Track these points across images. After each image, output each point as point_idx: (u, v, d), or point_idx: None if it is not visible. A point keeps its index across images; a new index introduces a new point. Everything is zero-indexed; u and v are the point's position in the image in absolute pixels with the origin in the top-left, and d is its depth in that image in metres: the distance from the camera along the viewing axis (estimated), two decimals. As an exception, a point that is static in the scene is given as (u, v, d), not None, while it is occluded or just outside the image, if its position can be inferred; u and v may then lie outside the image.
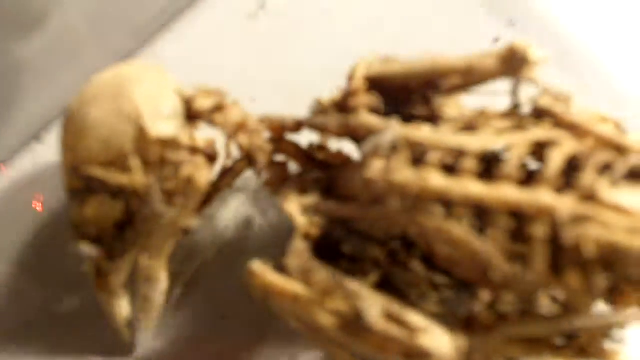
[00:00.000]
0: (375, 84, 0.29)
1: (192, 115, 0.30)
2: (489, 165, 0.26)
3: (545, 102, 0.27)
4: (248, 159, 0.30)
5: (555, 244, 0.25)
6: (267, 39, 0.39)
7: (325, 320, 0.26)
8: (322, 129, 0.29)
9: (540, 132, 0.27)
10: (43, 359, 0.33)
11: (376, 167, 0.27)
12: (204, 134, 0.31)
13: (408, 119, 0.29)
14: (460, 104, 0.29)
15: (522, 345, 0.26)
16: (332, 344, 0.26)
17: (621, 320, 0.25)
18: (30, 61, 0.36)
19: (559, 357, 0.26)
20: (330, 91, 0.30)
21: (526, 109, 0.28)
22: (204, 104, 0.30)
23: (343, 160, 0.30)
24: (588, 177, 0.25)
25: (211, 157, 0.30)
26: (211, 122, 0.30)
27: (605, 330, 0.26)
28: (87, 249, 0.31)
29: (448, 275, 0.27)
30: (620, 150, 0.26)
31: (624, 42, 0.38)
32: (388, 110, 0.29)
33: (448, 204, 0.26)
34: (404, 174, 0.26)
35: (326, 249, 0.28)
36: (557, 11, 0.39)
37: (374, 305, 0.25)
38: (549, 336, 0.26)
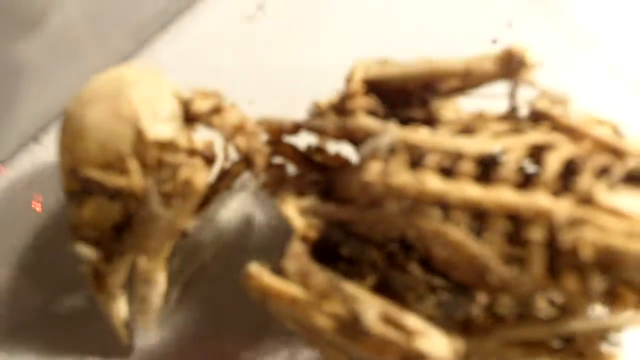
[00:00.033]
0: (373, 86, 0.29)
1: (189, 118, 0.30)
2: (487, 168, 0.26)
3: (543, 105, 0.27)
4: (246, 161, 0.31)
5: (552, 247, 0.25)
6: (265, 41, 0.39)
7: (323, 322, 0.26)
8: (320, 132, 0.29)
9: (537, 135, 0.27)
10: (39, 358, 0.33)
11: (374, 170, 0.27)
12: (202, 136, 0.31)
13: (406, 121, 0.29)
14: (458, 107, 0.29)
15: (519, 348, 0.26)
16: (329, 346, 0.26)
17: (618, 323, 0.25)
18: (29, 62, 0.36)
19: (555, 360, 0.26)
20: (328, 93, 0.30)
21: (524, 111, 0.28)
22: (201, 106, 0.30)
23: (341, 163, 0.30)
24: (585, 181, 0.25)
25: (209, 159, 0.30)
26: (209, 125, 0.30)
27: (602, 333, 0.26)
28: (85, 251, 0.31)
29: (445, 277, 0.27)
30: (617, 153, 0.26)
31: (622, 44, 0.38)
32: (386, 113, 0.29)
33: (446, 206, 0.26)
34: (401, 176, 0.26)
35: (324, 251, 0.28)
36: (555, 13, 0.39)
37: (372, 308, 0.25)
38: (546, 339, 0.26)
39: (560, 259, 0.24)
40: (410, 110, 0.29)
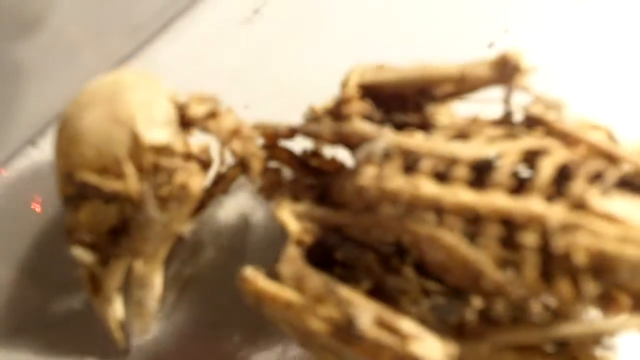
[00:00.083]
0: (369, 91, 0.29)
1: (185, 122, 0.30)
2: (481, 173, 0.26)
3: (537, 110, 0.27)
4: (242, 165, 0.31)
5: (546, 251, 0.25)
6: (262, 45, 0.40)
7: (317, 326, 0.26)
8: (315, 136, 0.29)
9: (531, 140, 0.27)
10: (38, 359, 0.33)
11: (368, 174, 0.27)
12: (199, 139, 0.31)
13: (401, 126, 0.29)
14: (453, 112, 0.29)
15: (513, 352, 0.26)
16: (324, 350, 0.26)
17: (612, 327, 0.25)
18: (26, 65, 0.36)
19: (549, 364, 0.26)
20: (323, 98, 0.30)
21: (518, 116, 0.28)
22: (197, 110, 0.30)
23: (337, 167, 0.30)
24: (578, 186, 0.25)
25: (205, 164, 0.30)
26: (205, 129, 0.31)
27: (596, 338, 0.26)
28: (81, 255, 0.31)
29: (440, 282, 0.27)
30: (611, 158, 0.26)
31: (618, 50, 0.38)
32: (381, 118, 0.29)
33: (440, 211, 0.26)
34: (396, 181, 0.26)
35: (319, 255, 0.29)
36: (551, 19, 0.39)
37: (366, 312, 0.25)
38: (540, 343, 0.26)
39: (553, 264, 0.24)
40: (405, 115, 0.29)
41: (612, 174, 0.25)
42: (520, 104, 0.28)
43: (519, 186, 0.26)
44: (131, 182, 0.29)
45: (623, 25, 0.39)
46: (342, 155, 0.30)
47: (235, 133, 0.30)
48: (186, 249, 0.34)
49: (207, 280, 0.34)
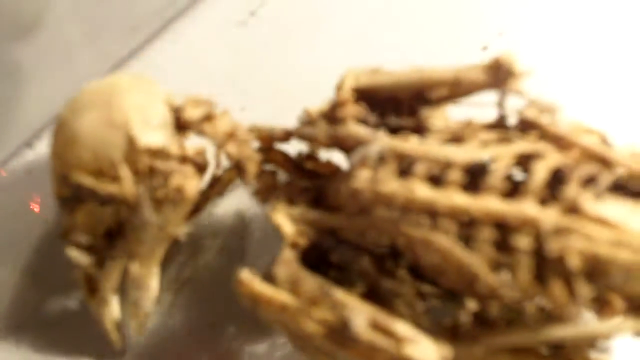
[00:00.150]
0: (364, 95, 0.29)
1: (181, 125, 0.31)
2: (475, 177, 0.26)
3: (531, 114, 0.27)
4: (237, 168, 0.31)
5: (539, 255, 0.25)
6: (257, 47, 0.40)
7: (312, 329, 0.26)
8: (310, 140, 0.30)
9: (525, 144, 0.27)
10: (36, 358, 0.33)
11: (363, 178, 0.27)
12: (196, 143, 0.31)
13: (395, 130, 0.29)
14: (447, 116, 0.29)
15: (508, 355, 0.26)
16: (318, 353, 0.27)
17: (606, 330, 0.25)
18: (24, 67, 0.36)
19: (544, 367, 0.26)
20: (319, 101, 0.30)
21: (512, 120, 0.28)
22: (193, 113, 0.30)
23: (332, 170, 0.31)
24: (572, 190, 0.25)
25: (201, 167, 0.30)
26: (200, 132, 0.31)
27: (590, 340, 0.26)
28: (77, 257, 0.31)
29: (434, 285, 0.28)
30: (605, 162, 0.26)
31: (612, 54, 0.38)
32: (376, 121, 0.29)
33: (434, 214, 0.26)
34: (390, 184, 0.26)
35: (315, 258, 0.29)
36: (545, 22, 0.39)
37: (361, 315, 0.25)
38: (535, 346, 0.26)
39: (547, 267, 0.25)
40: (399, 118, 0.29)
41: (606, 178, 0.26)
42: (514, 107, 0.28)
43: (513, 190, 0.26)
44: (127, 185, 0.29)
45: (617, 29, 0.39)
46: (337, 158, 0.30)
47: (231, 136, 0.31)
48: (184, 250, 0.34)
49: (204, 282, 0.34)
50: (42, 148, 0.38)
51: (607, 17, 0.39)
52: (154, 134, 0.30)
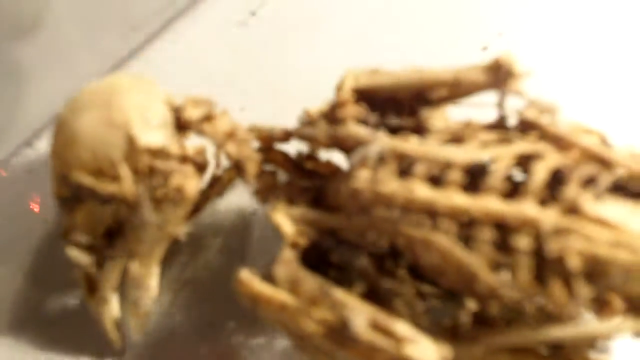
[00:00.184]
0: (363, 95, 0.29)
1: (181, 125, 0.31)
2: (475, 178, 0.26)
3: (531, 115, 0.28)
4: (237, 168, 0.31)
5: (539, 255, 0.25)
6: (258, 47, 0.40)
7: (312, 329, 0.26)
8: (310, 140, 0.30)
9: (525, 145, 0.27)
10: (35, 357, 0.33)
11: (363, 178, 0.27)
12: (195, 143, 0.31)
13: (395, 130, 0.29)
14: (447, 116, 0.29)
15: (507, 355, 0.26)
16: (318, 352, 0.27)
17: (606, 330, 0.25)
18: (24, 66, 0.36)
19: (544, 367, 0.26)
20: (319, 102, 0.30)
21: (512, 121, 0.28)
22: (193, 113, 0.30)
23: (332, 170, 0.31)
24: (571, 190, 0.25)
25: (201, 166, 0.30)
26: (200, 132, 0.31)
27: (590, 341, 0.26)
28: (77, 256, 0.31)
29: (434, 285, 0.28)
30: (604, 163, 0.26)
31: (612, 54, 0.38)
32: (376, 122, 0.29)
33: (434, 215, 0.26)
34: (390, 185, 0.26)
35: (315, 258, 0.29)
36: (545, 23, 0.39)
37: (361, 315, 0.25)
38: (534, 346, 0.26)
39: (547, 267, 0.25)
40: (399, 119, 0.29)
41: (605, 179, 0.26)
42: (514, 108, 0.28)
43: (513, 190, 0.26)
44: (127, 185, 0.29)
45: (617, 30, 0.39)
46: (337, 158, 0.30)
47: (231, 136, 0.31)
48: (185, 249, 0.34)
49: (204, 281, 0.34)
50: (42, 148, 0.38)
51: (606, 17, 0.39)
52: (153, 133, 0.30)
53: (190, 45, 0.40)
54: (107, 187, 0.29)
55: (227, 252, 0.35)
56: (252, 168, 0.30)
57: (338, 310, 0.26)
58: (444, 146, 0.27)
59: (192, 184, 0.29)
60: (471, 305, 0.27)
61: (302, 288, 0.27)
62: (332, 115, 0.29)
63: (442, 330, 0.27)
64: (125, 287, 0.32)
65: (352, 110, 0.29)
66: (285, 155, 0.31)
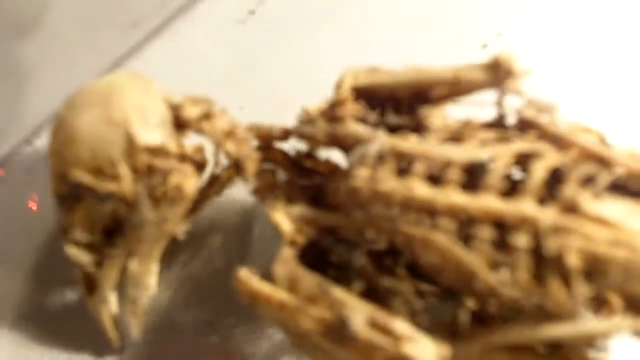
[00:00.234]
0: (363, 93, 0.29)
1: (180, 124, 0.30)
2: (474, 176, 0.26)
3: (530, 113, 0.28)
4: (236, 166, 0.31)
5: (538, 254, 0.25)
6: (257, 46, 0.40)
7: (310, 327, 0.26)
8: (309, 138, 0.30)
9: (523, 144, 0.27)
10: (35, 356, 0.33)
11: (362, 177, 0.27)
12: (195, 141, 0.31)
13: (394, 129, 0.29)
14: (446, 115, 0.29)
15: (506, 354, 0.26)
16: (317, 351, 0.27)
17: (605, 329, 0.25)
18: (23, 65, 0.36)
19: (542, 366, 0.26)
20: (317, 100, 0.30)
21: (511, 119, 0.28)
22: (191, 112, 0.30)
23: (331, 169, 0.31)
24: (570, 189, 0.25)
25: (199, 165, 0.30)
26: (199, 130, 0.31)
27: (589, 339, 0.26)
28: (76, 255, 0.31)
29: (433, 283, 0.28)
30: (603, 162, 0.26)
31: (611, 54, 0.38)
32: (375, 120, 0.29)
33: (433, 213, 0.26)
34: (389, 183, 0.26)
35: (314, 257, 0.29)
36: (544, 23, 0.39)
37: (359, 313, 0.25)
38: (533, 344, 0.26)
39: (546, 266, 0.25)
40: (399, 117, 0.29)
41: (604, 178, 0.26)
42: (513, 107, 0.28)
43: (512, 189, 0.26)
44: (125, 183, 0.29)
45: (616, 29, 0.39)
46: (336, 157, 0.30)
47: (230, 134, 0.31)
48: (186, 247, 0.34)
49: (205, 279, 0.34)
50: (42, 146, 0.38)
51: (605, 17, 0.39)
52: (152, 132, 0.30)
53: (189, 44, 0.40)
54: (105, 186, 0.29)
55: (227, 250, 0.35)
56: (251, 167, 0.30)
57: (337, 308, 0.26)
58: (443, 145, 0.27)
59: (191, 183, 0.29)
60: (470, 303, 0.27)
61: (301, 286, 0.27)
62: (331, 114, 0.29)
63: (441, 328, 0.27)
64: (124, 286, 0.32)
65: (351, 108, 0.29)
66: (284, 154, 0.31)
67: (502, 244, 0.25)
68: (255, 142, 0.31)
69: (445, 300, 0.28)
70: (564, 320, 0.25)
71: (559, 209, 0.25)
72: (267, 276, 0.27)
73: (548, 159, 0.26)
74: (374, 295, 0.27)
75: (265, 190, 0.30)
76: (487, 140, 0.27)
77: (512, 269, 0.25)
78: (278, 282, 0.27)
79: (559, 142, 0.27)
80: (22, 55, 0.35)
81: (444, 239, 0.25)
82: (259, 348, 0.33)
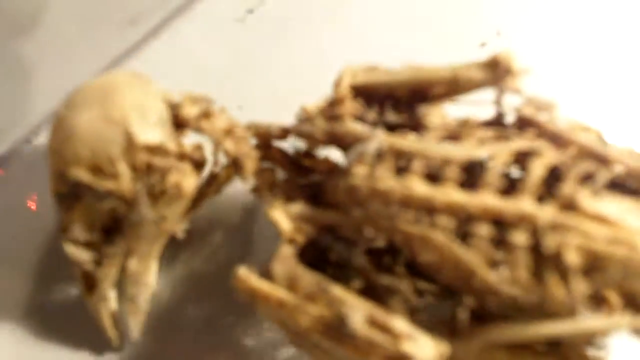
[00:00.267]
0: (361, 92, 0.29)
1: (179, 122, 0.31)
2: (472, 175, 0.26)
3: (528, 112, 0.28)
4: (235, 165, 0.31)
5: (537, 251, 0.25)
6: (255, 45, 0.40)
7: (309, 325, 0.26)
8: (308, 137, 0.30)
9: (522, 142, 0.27)
10: (35, 354, 0.33)
11: (361, 175, 0.27)
12: (194, 140, 0.31)
13: (393, 127, 0.29)
14: (444, 113, 0.29)
15: (504, 352, 0.26)
16: (316, 349, 0.27)
17: (603, 326, 0.25)
18: (23, 64, 0.36)
19: (541, 364, 0.26)
20: (316, 99, 0.30)
21: (510, 118, 0.28)
22: (190, 111, 0.30)
23: (330, 167, 0.31)
24: (568, 187, 0.25)
25: (198, 164, 0.30)
26: (198, 129, 0.31)
27: (588, 337, 0.26)
28: (75, 253, 0.31)
29: (432, 281, 0.28)
30: (602, 160, 0.26)
31: (610, 53, 0.38)
32: (374, 119, 0.29)
33: (432, 211, 0.26)
34: (388, 181, 0.26)
35: (313, 255, 0.29)
36: (543, 22, 0.40)
37: (358, 311, 0.25)
38: (532, 342, 0.26)
39: (544, 263, 0.25)
40: (397, 116, 0.29)
41: (603, 176, 0.26)
42: (512, 105, 0.28)
43: (510, 187, 0.26)
44: (124, 182, 0.29)
45: (615, 28, 0.39)
46: (335, 155, 0.30)
47: (229, 133, 0.31)
48: (188, 245, 0.34)
49: (205, 277, 0.34)
50: (41, 145, 0.37)
51: (604, 16, 0.39)
52: (151, 130, 0.30)
53: (188, 43, 0.40)
54: (105, 184, 0.29)
55: (228, 248, 0.35)
56: (250, 165, 0.30)
57: (336, 306, 0.26)
58: (442, 143, 0.27)
59: (190, 181, 0.29)
60: (469, 301, 0.27)
61: (300, 285, 0.27)
62: (330, 112, 0.29)
63: (440, 326, 0.27)
64: (123, 284, 0.32)
65: (350, 107, 0.29)
66: (283, 153, 0.31)
67: (500, 242, 0.25)
68: (254, 141, 0.31)
69: (444, 299, 0.28)
70: (563, 318, 0.25)
71: (557, 207, 0.25)
72: (266, 274, 0.27)
73: (547, 157, 0.26)
74: (373, 293, 0.27)
75: (264, 188, 0.30)
76: (485, 139, 0.27)
77: (511, 266, 0.25)
78: (277, 280, 0.27)
79: (557, 140, 0.27)
80: (21, 54, 0.35)
81: (442, 237, 0.26)
82: (259, 345, 0.33)
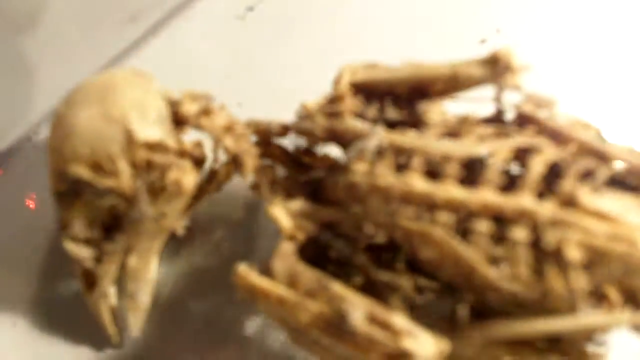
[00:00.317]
0: (361, 89, 0.29)
1: (179, 120, 0.31)
2: (472, 171, 0.26)
3: (528, 109, 0.28)
4: (235, 162, 0.31)
5: (537, 247, 0.25)
6: (255, 43, 0.40)
7: (309, 322, 0.26)
8: (308, 134, 0.30)
9: (522, 138, 0.27)
10: (35, 351, 0.33)
11: (361, 172, 0.27)
12: (194, 137, 0.31)
13: (393, 124, 0.29)
14: (444, 110, 0.29)
15: (504, 348, 0.26)
16: (316, 346, 0.27)
17: (603, 323, 0.25)
18: (22, 63, 0.36)
19: (541, 360, 0.26)
20: (316, 96, 0.30)
21: (510, 115, 0.28)
22: (190, 108, 0.30)
23: (330, 164, 0.31)
24: (568, 183, 0.25)
25: (198, 161, 0.30)
26: (198, 126, 0.31)
27: (588, 333, 0.26)
28: (75, 250, 0.31)
29: (433, 278, 0.28)
30: (602, 157, 0.26)
31: (610, 50, 0.38)
32: (373, 116, 0.29)
33: (432, 208, 0.26)
34: (388, 178, 0.26)
35: (313, 252, 0.29)
36: (543, 19, 0.40)
37: (358, 308, 0.25)
38: (532, 338, 0.26)
39: (545, 260, 0.25)
40: (397, 113, 0.29)
41: (603, 172, 0.26)
42: (512, 102, 0.28)
43: (510, 184, 0.26)
44: (124, 179, 0.29)
45: (615, 25, 0.39)
46: (335, 153, 0.30)
47: (229, 130, 0.31)
48: (189, 241, 0.34)
49: (207, 272, 0.34)
50: (41, 143, 0.37)
51: (603, 13, 0.39)
52: (151, 128, 0.30)
53: (187, 41, 0.40)
54: (104, 181, 0.29)
55: (230, 244, 0.35)
56: (249, 162, 0.30)
57: (336, 303, 0.26)
58: (442, 140, 0.27)
59: (190, 178, 0.29)
60: (469, 297, 0.27)
61: (300, 282, 0.27)
62: (329, 109, 0.29)
63: (440, 323, 0.27)
64: (123, 281, 0.32)
65: (350, 104, 0.29)
66: (282, 150, 0.31)
67: (501, 238, 0.25)
68: (253, 138, 0.31)
69: (444, 295, 0.28)
70: (563, 315, 0.25)
71: (557, 203, 0.25)
72: (266, 271, 0.27)
73: (546, 154, 0.26)
74: (373, 290, 0.27)
75: (264, 185, 0.30)
76: (485, 136, 0.27)
77: (511, 263, 0.25)
78: (277, 277, 0.27)
79: (557, 137, 0.27)
80: (21, 52, 0.35)
81: (442, 233, 0.26)
82: (260, 341, 0.33)
